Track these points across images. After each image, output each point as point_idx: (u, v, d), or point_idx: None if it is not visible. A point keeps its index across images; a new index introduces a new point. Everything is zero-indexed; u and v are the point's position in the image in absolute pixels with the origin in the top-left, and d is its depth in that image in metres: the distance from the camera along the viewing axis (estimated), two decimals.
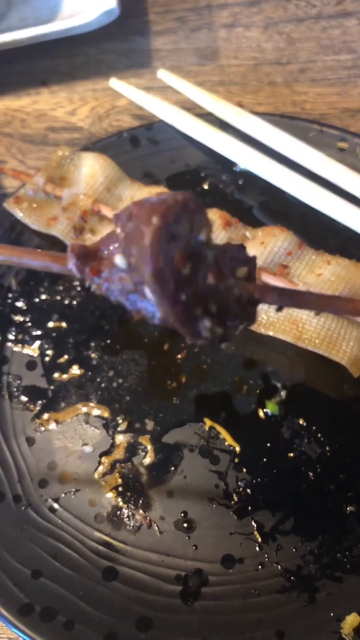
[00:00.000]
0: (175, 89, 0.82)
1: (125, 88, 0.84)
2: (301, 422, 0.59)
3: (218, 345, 0.34)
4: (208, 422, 0.60)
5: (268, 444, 0.58)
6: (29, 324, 0.67)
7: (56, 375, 0.64)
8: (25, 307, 0.68)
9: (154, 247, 0.30)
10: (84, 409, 0.62)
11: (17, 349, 0.66)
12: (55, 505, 0.57)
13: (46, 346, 0.66)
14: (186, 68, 0.90)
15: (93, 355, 0.65)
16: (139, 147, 0.77)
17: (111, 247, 0.34)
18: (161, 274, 0.30)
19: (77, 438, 0.61)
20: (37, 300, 0.69)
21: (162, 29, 0.95)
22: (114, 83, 0.85)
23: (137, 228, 0.31)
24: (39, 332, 0.67)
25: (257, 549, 0.54)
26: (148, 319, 0.34)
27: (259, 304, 0.34)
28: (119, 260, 0.33)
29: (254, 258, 0.35)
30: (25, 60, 0.93)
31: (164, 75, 0.84)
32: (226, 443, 0.59)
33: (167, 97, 0.80)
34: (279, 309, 0.34)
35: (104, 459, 0.59)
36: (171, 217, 0.30)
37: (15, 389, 0.63)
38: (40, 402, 0.63)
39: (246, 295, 0.33)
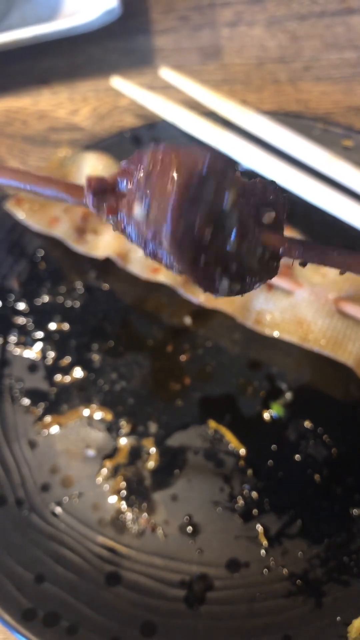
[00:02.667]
0: (178, 87, 0.82)
1: (127, 87, 0.83)
2: (307, 424, 0.58)
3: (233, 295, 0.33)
4: (212, 425, 0.60)
5: (273, 447, 0.58)
6: (31, 325, 0.67)
7: (58, 377, 0.64)
8: (26, 309, 0.68)
9: (176, 212, 0.28)
10: (87, 412, 0.61)
11: (18, 351, 0.65)
12: (58, 510, 0.56)
13: (48, 348, 0.65)
14: (189, 67, 0.89)
15: (95, 357, 0.64)
16: (141, 146, 0.76)
17: (129, 186, 0.32)
18: (180, 240, 0.29)
19: (79, 441, 0.60)
20: (38, 301, 0.68)
21: (164, 28, 0.95)
22: (116, 82, 0.84)
23: (160, 179, 0.30)
24: (40, 334, 0.66)
25: (263, 552, 0.53)
26: (166, 266, 0.32)
27: (282, 258, 0.33)
28: (138, 210, 0.31)
29: (283, 199, 0.33)
30: (26, 60, 0.93)
31: (167, 74, 0.83)
32: (231, 446, 0.58)
33: (170, 96, 0.79)
34: (303, 264, 0.33)
35: (107, 463, 0.59)
36: (196, 178, 0.29)
37: (17, 392, 0.63)
38: (42, 405, 0.62)
39: (270, 249, 0.32)
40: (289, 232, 0.64)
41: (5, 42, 0.85)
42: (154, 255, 0.32)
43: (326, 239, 0.66)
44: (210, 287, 0.31)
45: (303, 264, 0.33)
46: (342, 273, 0.32)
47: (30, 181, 0.35)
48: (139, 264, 0.66)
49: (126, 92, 0.84)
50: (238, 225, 0.31)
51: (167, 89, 0.82)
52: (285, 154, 0.71)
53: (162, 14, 0.97)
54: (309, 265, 0.64)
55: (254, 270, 0.32)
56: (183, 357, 0.63)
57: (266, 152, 0.70)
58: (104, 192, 0.33)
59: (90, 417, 0.61)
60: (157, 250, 0.32)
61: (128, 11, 0.91)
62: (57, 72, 0.92)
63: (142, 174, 0.31)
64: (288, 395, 0.60)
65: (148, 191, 0.31)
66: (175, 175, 0.29)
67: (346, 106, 0.82)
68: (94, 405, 0.62)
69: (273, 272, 0.33)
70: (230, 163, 0.30)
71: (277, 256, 0.33)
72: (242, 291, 0.33)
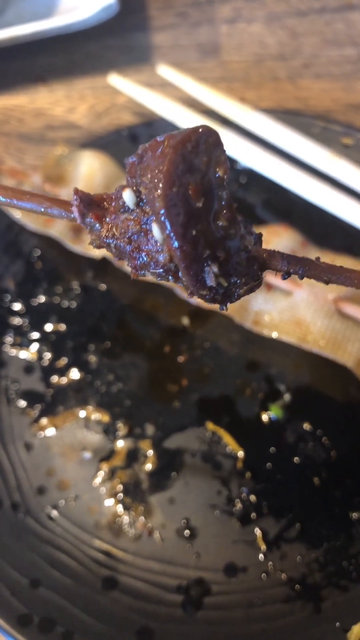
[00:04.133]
0: (176, 85, 0.81)
1: (125, 84, 0.82)
2: (306, 426, 0.58)
3: (219, 304, 0.33)
4: (210, 427, 0.59)
5: (272, 449, 0.57)
6: (27, 326, 0.66)
7: (54, 379, 0.63)
8: (22, 309, 0.67)
9: (169, 173, 0.29)
10: (83, 414, 0.61)
11: (14, 352, 0.64)
12: (54, 513, 0.56)
13: (44, 349, 0.65)
14: (187, 64, 0.89)
15: (92, 358, 0.64)
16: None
17: (118, 200, 0.33)
18: (173, 202, 0.29)
19: (76, 444, 0.59)
20: (35, 302, 0.67)
21: (162, 25, 0.94)
22: (114, 79, 0.83)
23: (152, 158, 0.30)
24: (36, 335, 0.65)
25: (261, 557, 0.52)
26: (150, 268, 0.32)
27: (266, 268, 0.33)
28: (128, 195, 0.32)
29: (259, 234, 0.34)
30: (23, 58, 0.92)
31: (165, 71, 0.82)
32: (229, 448, 0.58)
33: (168, 93, 0.78)
34: (286, 276, 0.32)
35: (103, 465, 0.58)
36: (189, 146, 0.30)
37: (12, 394, 0.62)
38: (38, 406, 0.61)
39: (254, 252, 0.32)
40: (288, 231, 0.63)
41: (2, 39, 0.85)
42: (137, 262, 0.32)
43: (325, 237, 0.65)
44: (198, 272, 0.31)
45: (287, 275, 0.32)
46: (326, 283, 0.32)
47: (16, 197, 0.35)
48: None
49: (124, 89, 0.83)
50: (228, 205, 0.31)
51: (165, 87, 0.82)
52: (285, 152, 0.70)
53: (160, 11, 0.96)
54: None
55: (239, 269, 0.32)
56: (181, 358, 0.63)
57: (265, 150, 0.70)
58: (91, 202, 0.33)
59: (86, 419, 0.61)
60: (142, 246, 0.32)
61: (126, 8, 0.91)
62: (54, 70, 0.91)
63: (137, 159, 0.32)
64: (287, 397, 0.59)
65: (140, 176, 0.31)
66: (167, 148, 0.30)
67: (346, 103, 0.81)
68: (90, 407, 0.61)
69: (257, 279, 0.33)
70: (219, 143, 0.31)
71: (262, 264, 0.32)
72: (227, 294, 0.32)
